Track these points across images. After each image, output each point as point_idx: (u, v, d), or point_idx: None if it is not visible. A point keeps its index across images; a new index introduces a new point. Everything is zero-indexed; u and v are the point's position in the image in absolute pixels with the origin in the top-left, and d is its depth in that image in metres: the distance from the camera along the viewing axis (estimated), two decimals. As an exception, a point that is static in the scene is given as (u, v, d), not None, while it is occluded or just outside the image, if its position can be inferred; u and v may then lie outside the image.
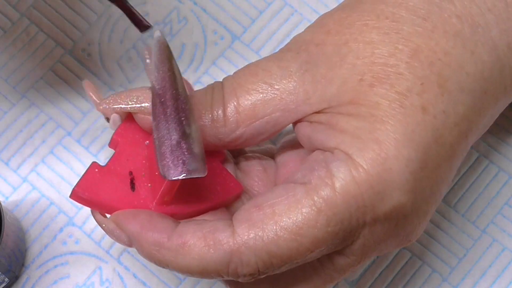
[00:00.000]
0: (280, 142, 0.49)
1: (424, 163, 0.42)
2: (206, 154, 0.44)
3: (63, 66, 0.57)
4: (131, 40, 0.58)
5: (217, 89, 0.45)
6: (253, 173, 0.48)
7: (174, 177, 0.42)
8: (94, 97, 0.47)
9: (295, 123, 0.45)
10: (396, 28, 0.43)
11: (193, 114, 0.43)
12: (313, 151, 0.44)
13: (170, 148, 0.42)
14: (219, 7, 0.58)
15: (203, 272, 0.43)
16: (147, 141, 0.46)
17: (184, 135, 0.42)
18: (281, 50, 0.46)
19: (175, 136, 0.42)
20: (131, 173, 0.45)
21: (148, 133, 0.46)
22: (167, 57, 0.43)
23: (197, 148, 0.42)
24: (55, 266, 0.54)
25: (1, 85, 0.57)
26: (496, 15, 0.44)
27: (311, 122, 0.44)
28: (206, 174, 0.42)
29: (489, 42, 0.44)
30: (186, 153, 0.42)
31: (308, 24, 0.47)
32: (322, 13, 0.47)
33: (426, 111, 0.42)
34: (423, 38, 0.43)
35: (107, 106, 0.46)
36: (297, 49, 0.45)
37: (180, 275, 0.54)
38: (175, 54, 0.58)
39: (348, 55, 0.44)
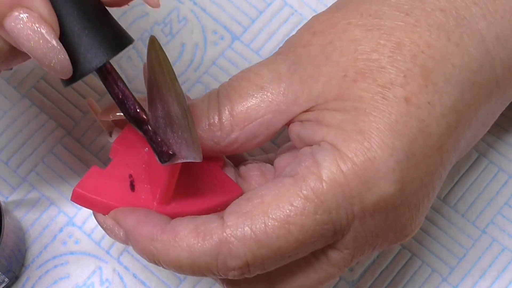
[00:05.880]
0: (278, 150, 0.50)
1: (411, 153, 0.43)
2: (205, 159, 0.44)
3: (63, 66, 0.57)
4: (131, 40, 0.57)
5: (213, 96, 0.46)
6: (252, 178, 0.48)
7: (167, 162, 0.42)
8: (95, 109, 0.49)
9: (288, 125, 0.46)
10: (378, 24, 0.44)
11: (190, 110, 0.43)
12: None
13: (165, 135, 0.43)
14: (219, 7, 0.58)
15: (192, 266, 0.43)
16: (147, 148, 0.46)
17: (179, 123, 0.43)
18: (273, 54, 0.47)
19: (170, 122, 0.43)
20: (130, 175, 0.46)
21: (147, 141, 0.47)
22: (161, 54, 0.43)
23: (193, 135, 0.43)
24: (55, 266, 0.54)
25: (1, 85, 0.57)
26: (482, 7, 0.45)
27: (301, 121, 0.45)
28: (201, 159, 0.42)
29: (476, 34, 0.44)
30: (181, 139, 0.43)
31: (308, 24, 0.48)
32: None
33: (410, 102, 0.43)
34: (405, 32, 0.44)
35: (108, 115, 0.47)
36: (286, 51, 0.46)
37: (180, 275, 0.54)
38: (175, 54, 0.58)
39: (332, 54, 0.44)
